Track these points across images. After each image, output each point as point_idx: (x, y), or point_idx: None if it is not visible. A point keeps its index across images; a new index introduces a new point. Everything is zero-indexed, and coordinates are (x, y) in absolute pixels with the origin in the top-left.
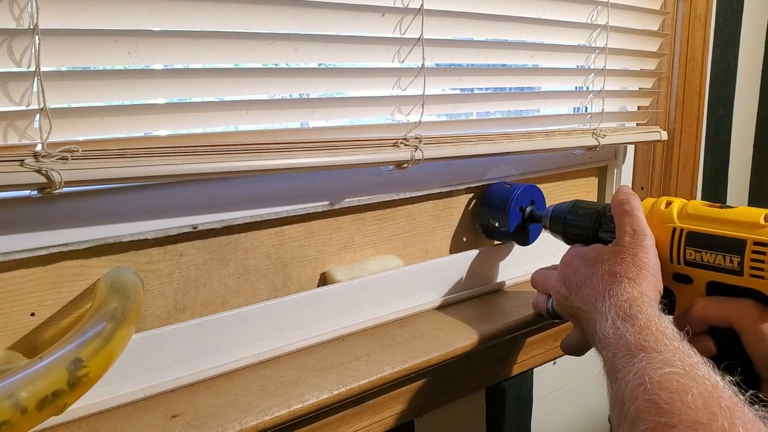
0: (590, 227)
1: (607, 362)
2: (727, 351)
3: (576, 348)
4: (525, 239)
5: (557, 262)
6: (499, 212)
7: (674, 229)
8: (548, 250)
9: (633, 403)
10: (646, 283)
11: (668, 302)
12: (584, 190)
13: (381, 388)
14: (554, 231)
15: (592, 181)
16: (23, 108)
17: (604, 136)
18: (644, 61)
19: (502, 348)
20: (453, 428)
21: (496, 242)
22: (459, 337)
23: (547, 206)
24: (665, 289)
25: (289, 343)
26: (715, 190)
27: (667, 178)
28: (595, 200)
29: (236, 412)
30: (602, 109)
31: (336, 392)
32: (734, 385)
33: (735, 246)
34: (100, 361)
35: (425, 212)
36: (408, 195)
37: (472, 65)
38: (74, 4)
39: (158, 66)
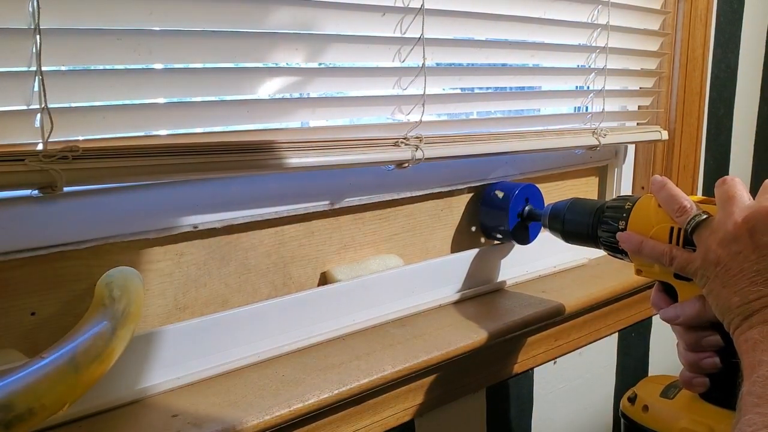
0: (588, 224)
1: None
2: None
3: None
4: (525, 238)
5: (558, 261)
6: (498, 212)
7: (672, 229)
8: (549, 249)
9: None
10: None
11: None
12: (584, 190)
13: (381, 388)
14: (553, 229)
15: (593, 181)
16: (24, 107)
17: (605, 135)
18: (645, 60)
19: (503, 347)
20: (453, 428)
21: (496, 242)
22: (460, 337)
23: (546, 205)
24: (667, 285)
25: (289, 342)
26: None
27: (667, 177)
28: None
29: (237, 411)
30: (603, 109)
31: (336, 391)
32: None
33: None
34: (101, 360)
35: (426, 212)
36: (408, 194)
37: (472, 65)
38: (75, 4)
39: (159, 66)
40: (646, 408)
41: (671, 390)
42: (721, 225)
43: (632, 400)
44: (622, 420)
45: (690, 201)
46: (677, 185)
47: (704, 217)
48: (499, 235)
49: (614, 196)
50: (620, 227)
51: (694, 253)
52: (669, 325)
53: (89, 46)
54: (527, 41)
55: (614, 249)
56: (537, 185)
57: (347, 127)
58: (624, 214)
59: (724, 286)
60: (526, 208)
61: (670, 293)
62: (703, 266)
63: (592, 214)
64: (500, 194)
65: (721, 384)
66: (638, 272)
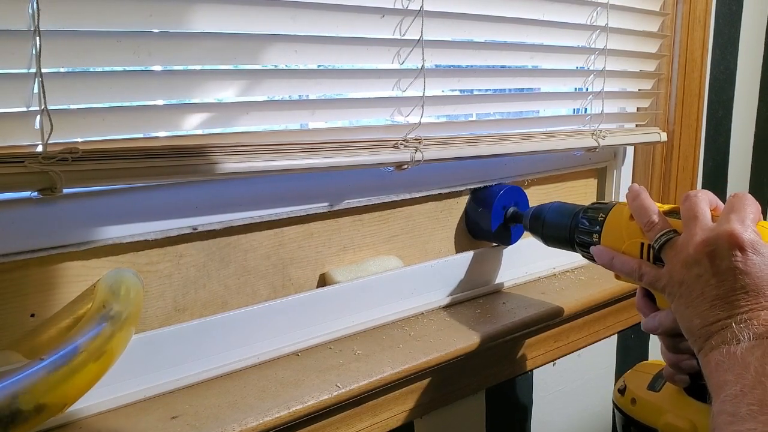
0: (567, 227)
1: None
2: None
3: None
4: (507, 239)
5: (557, 263)
6: (482, 212)
7: (642, 244)
8: (548, 251)
9: None
10: None
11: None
12: (583, 192)
13: (381, 389)
14: (534, 231)
15: (592, 183)
16: (24, 109)
17: (604, 137)
18: (644, 62)
19: (502, 349)
20: (453, 429)
21: (494, 243)
22: (459, 339)
23: (529, 207)
24: (646, 290)
25: (288, 344)
26: (715, 192)
27: (666, 179)
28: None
29: (236, 413)
30: (602, 111)
31: (336, 393)
32: None
33: None
34: (100, 362)
35: (425, 213)
36: (408, 196)
37: (471, 66)
38: (75, 6)
39: (158, 67)
40: (633, 401)
41: (658, 381)
42: (684, 246)
43: (622, 391)
44: (614, 410)
45: (659, 216)
46: (676, 187)
47: (671, 236)
48: (482, 236)
49: (592, 202)
50: (594, 240)
51: (662, 270)
52: None
53: (89, 48)
54: (526, 43)
55: (591, 257)
56: (535, 187)
57: (346, 129)
58: (597, 227)
59: (687, 307)
60: (510, 209)
61: (652, 296)
62: (669, 284)
63: (570, 219)
64: (484, 195)
65: (701, 381)
66: (617, 277)
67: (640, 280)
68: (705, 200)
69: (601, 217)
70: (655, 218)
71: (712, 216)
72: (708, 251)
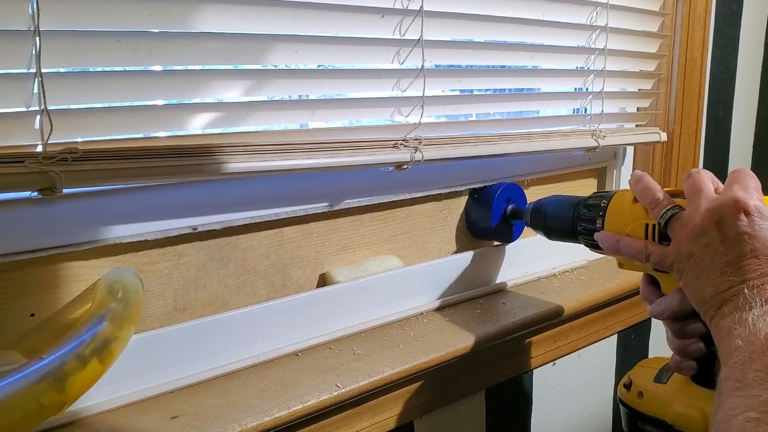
0: (568, 219)
1: (736, 358)
2: None
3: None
4: (508, 237)
5: (557, 263)
6: (482, 210)
7: (647, 225)
8: (547, 250)
9: None
10: None
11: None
12: (583, 192)
13: (381, 389)
14: (535, 226)
15: (592, 183)
16: (24, 109)
17: (604, 137)
18: (644, 62)
19: (502, 349)
20: (453, 429)
21: (495, 243)
22: (459, 338)
23: (528, 203)
24: (650, 276)
25: (288, 344)
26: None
27: (666, 179)
28: None
29: (236, 413)
30: (602, 111)
31: (336, 393)
32: None
33: None
34: (100, 361)
35: (425, 213)
36: (407, 196)
37: (471, 66)
38: (74, 6)
39: (158, 67)
40: (641, 394)
41: (664, 374)
42: (690, 218)
43: (628, 386)
44: (620, 406)
45: (664, 194)
46: (676, 187)
47: (676, 210)
48: (482, 234)
49: (592, 192)
50: (598, 226)
51: (669, 247)
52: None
53: (89, 48)
54: (526, 43)
55: (594, 245)
56: (535, 187)
57: (346, 129)
58: (600, 213)
59: (697, 278)
60: (509, 206)
61: (657, 284)
62: (677, 259)
63: (572, 210)
64: (484, 193)
65: (707, 367)
66: (620, 266)
67: (646, 261)
68: (707, 176)
69: (604, 203)
70: (660, 195)
71: (715, 192)
72: (715, 219)
